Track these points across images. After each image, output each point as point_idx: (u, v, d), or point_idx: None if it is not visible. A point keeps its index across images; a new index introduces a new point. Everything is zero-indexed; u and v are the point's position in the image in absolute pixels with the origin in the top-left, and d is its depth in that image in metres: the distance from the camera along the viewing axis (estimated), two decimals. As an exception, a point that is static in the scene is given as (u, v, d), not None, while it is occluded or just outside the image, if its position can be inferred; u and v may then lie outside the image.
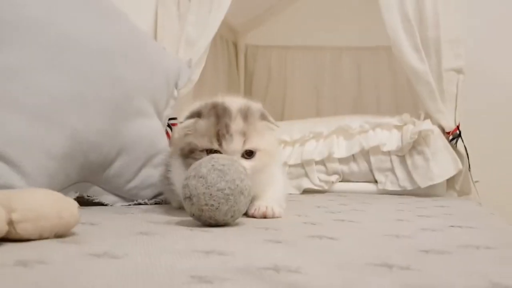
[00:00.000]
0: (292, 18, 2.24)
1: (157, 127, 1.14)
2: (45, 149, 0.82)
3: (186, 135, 0.84)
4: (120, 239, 0.59)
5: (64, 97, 0.86)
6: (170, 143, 1.16)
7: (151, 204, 1.08)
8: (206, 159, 0.74)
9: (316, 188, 1.48)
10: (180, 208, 0.95)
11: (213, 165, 0.71)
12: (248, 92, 2.36)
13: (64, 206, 0.58)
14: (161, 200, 1.10)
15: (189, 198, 0.70)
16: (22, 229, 0.54)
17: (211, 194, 0.69)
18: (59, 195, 0.59)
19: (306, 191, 1.47)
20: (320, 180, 1.49)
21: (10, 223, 0.53)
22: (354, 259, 0.49)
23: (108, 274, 0.41)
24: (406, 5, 1.46)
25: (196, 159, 0.77)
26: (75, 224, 0.60)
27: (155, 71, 1.16)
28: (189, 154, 0.82)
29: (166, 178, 1.01)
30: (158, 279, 0.39)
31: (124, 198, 1.06)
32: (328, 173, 1.50)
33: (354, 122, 1.53)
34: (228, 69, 2.26)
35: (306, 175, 1.50)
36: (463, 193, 1.49)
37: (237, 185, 0.70)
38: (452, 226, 0.76)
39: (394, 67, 2.06)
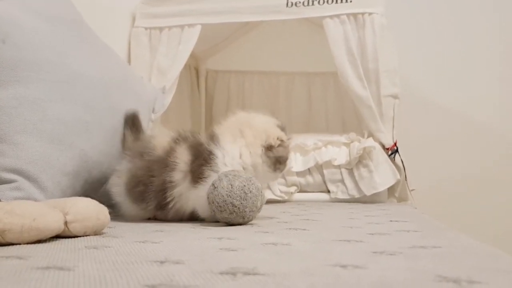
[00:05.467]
0: (248, 45, 2.36)
1: (144, 147, 1.30)
2: (59, 167, 0.97)
3: None
4: (146, 233, 0.76)
5: (74, 123, 1.01)
6: None
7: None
8: (221, 176, 0.90)
9: (277, 198, 1.61)
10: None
11: (229, 179, 0.88)
12: (209, 114, 2.47)
13: (100, 210, 0.75)
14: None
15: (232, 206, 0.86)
16: (73, 228, 0.70)
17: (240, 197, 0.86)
18: (95, 201, 0.75)
19: (268, 201, 1.64)
20: (281, 191, 1.62)
21: (65, 223, 0.69)
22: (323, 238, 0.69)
23: (163, 248, 0.58)
24: (350, 41, 1.62)
25: None
26: (108, 224, 0.76)
27: (140, 99, 1.33)
28: None
29: None
30: (198, 251, 0.57)
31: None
32: (287, 185, 1.64)
33: (309, 140, 1.67)
34: (191, 92, 2.37)
35: (268, 187, 1.63)
36: (402, 199, 1.65)
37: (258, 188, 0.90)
38: (391, 220, 0.98)
39: (341, 91, 2.17)
